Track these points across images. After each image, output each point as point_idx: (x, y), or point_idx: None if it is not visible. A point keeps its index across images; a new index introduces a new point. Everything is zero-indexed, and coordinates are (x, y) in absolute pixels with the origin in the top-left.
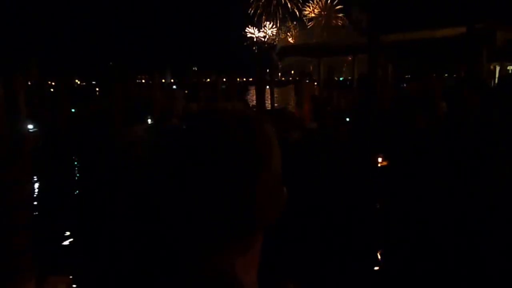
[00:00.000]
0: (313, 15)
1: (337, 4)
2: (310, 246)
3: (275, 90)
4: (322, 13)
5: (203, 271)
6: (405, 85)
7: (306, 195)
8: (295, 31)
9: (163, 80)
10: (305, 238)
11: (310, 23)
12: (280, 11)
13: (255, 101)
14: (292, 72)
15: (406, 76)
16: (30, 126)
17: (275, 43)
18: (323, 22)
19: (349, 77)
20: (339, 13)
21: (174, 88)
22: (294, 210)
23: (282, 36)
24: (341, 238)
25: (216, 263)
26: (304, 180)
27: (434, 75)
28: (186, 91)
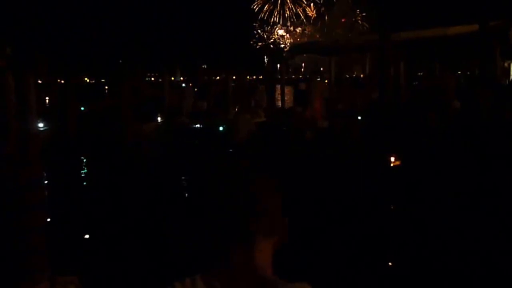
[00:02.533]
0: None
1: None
2: (321, 245)
3: (286, 88)
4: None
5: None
6: (417, 83)
7: (318, 195)
8: (308, 29)
9: (172, 78)
10: (317, 238)
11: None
12: (290, 8)
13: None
14: (303, 69)
15: (419, 74)
16: (40, 125)
17: (285, 42)
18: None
19: (361, 75)
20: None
21: (184, 86)
22: (306, 210)
23: (293, 31)
24: (352, 237)
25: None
26: (316, 179)
27: (447, 73)
28: (195, 89)
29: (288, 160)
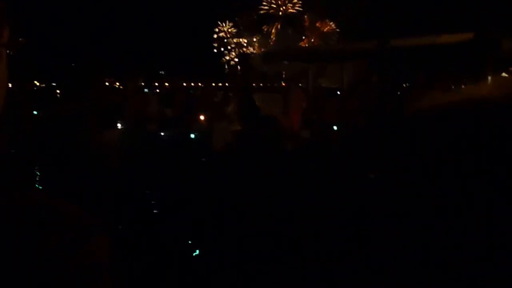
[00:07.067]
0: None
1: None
2: (307, 254)
3: (258, 97)
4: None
5: None
6: (400, 93)
7: (303, 205)
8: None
9: (133, 84)
10: (302, 249)
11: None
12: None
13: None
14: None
15: (404, 85)
16: None
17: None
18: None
19: (335, 85)
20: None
21: (147, 92)
22: (289, 220)
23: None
24: (340, 250)
25: None
26: (301, 190)
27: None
28: (158, 96)
29: (269, 170)
